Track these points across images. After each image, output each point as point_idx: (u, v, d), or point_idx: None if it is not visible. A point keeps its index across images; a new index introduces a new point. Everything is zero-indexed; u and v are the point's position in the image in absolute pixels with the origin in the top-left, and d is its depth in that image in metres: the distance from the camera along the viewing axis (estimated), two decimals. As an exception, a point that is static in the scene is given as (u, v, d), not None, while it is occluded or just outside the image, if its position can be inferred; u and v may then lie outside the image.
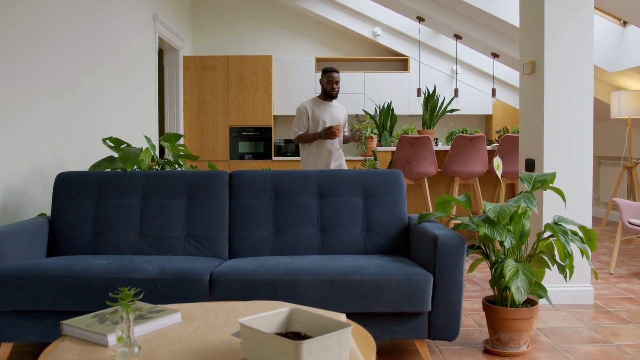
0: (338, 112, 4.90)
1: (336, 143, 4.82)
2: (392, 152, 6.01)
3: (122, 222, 3.07)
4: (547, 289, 2.85)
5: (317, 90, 8.47)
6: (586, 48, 3.60)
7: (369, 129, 7.68)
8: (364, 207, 3.14)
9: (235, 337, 1.79)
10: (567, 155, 3.63)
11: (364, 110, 8.02)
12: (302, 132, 4.82)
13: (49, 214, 3.78)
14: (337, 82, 4.77)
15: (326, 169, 4.69)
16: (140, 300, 2.44)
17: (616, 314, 3.43)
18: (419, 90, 7.52)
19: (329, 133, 4.66)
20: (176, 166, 3.83)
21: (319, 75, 8.45)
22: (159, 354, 1.66)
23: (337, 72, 4.79)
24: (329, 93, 4.79)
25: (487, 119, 8.87)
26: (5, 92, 3.40)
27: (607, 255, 5.13)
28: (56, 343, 1.80)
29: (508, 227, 2.79)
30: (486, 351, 2.84)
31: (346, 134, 5.07)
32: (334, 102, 4.91)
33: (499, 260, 2.79)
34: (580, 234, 2.82)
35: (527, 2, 3.81)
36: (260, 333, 1.55)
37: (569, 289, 3.62)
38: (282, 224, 3.10)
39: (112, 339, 1.75)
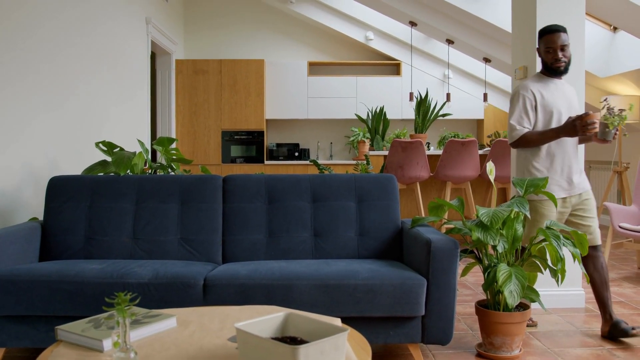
0: (571, 96, 3.20)
1: (574, 143, 3.18)
2: (385, 156, 6.03)
3: (115, 226, 3.06)
4: (539, 292, 2.86)
5: (310, 94, 8.46)
6: (577, 53, 3.64)
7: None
8: (358, 211, 3.14)
9: (231, 342, 1.79)
10: (559, 160, 3.65)
11: (356, 115, 8.02)
12: (527, 130, 3.09)
13: (41, 218, 3.76)
14: (563, 48, 3.04)
15: (570, 187, 3.13)
16: (134, 305, 2.43)
17: (607, 318, 3.45)
18: (411, 94, 7.56)
19: (583, 125, 2.88)
20: (169, 170, 3.82)
21: (311, 79, 8.43)
22: (155, 359, 1.66)
23: (562, 30, 3.04)
24: (551, 67, 3.09)
25: (479, 123, 8.91)
26: (-3, 95, 3.39)
27: (598, 259, 5.16)
28: (51, 348, 1.79)
29: (501, 231, 2.81)
30: (479, 355, 2.85)
31: None
32: (563, 79, 3.21)
33: (492, 265, 2.81)
34: (572, 238, 2.84)
35: (520, 7, 3.84)
36: (257, 338, 1.55)
37: (560, 293, 3.64)
38: (276, 229, 3.10)
39: (107, 344, 1.75)
